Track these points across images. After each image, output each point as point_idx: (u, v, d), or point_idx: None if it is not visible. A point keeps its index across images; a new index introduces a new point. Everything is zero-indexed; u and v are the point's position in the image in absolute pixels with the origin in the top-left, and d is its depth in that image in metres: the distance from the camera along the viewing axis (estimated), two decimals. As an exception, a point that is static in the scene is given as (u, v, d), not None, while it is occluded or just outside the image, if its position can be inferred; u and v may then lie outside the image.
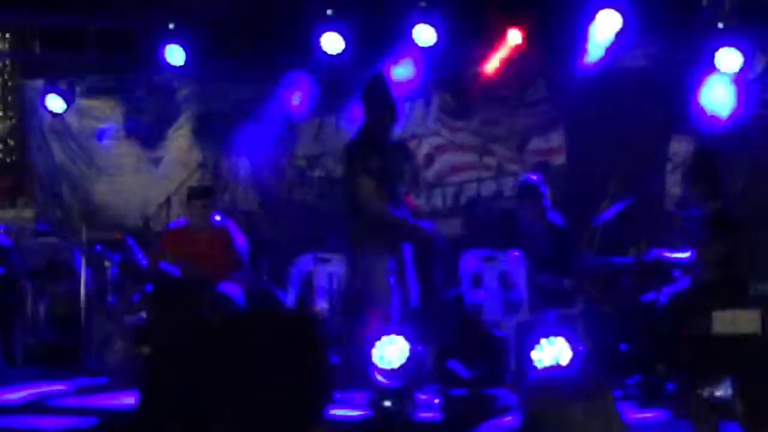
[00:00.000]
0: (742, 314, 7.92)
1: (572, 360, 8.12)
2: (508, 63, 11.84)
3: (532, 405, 3.43)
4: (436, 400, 8.47)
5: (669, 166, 11.15)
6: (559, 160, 12.10)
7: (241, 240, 10.33)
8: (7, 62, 15.01)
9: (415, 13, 11.59)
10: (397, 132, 12.69)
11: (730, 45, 10.57)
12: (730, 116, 10.73)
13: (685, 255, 9.08)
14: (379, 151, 8.82)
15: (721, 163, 9.27)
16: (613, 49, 11.15)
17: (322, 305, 10.03)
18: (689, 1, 10.89)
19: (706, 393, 7.34)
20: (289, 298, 10.32)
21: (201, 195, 10.53)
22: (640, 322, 8.89)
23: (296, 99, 12.79)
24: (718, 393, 7.34)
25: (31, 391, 9.50)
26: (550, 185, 10.29)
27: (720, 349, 7.66)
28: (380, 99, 8.91)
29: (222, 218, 10.43)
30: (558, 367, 7.85)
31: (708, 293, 8.42)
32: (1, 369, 10.32)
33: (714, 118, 10.79)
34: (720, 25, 10.62)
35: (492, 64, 11.96)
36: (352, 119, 12.66)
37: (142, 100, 13.86)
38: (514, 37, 11.59)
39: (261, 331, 2.53)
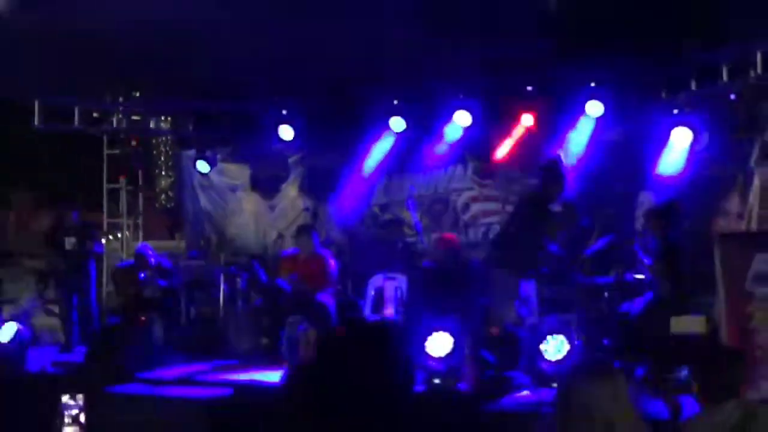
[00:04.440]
0: (692, 319, 7.88)
1: (569, 351, 8.10)
2: (522, 139, 11.86)
3: (562, 386, 3.48)
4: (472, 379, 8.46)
5: (638, 213, 11.08)
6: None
7: (333, 265, 10.50)
8: (168, 137, 15.28)
9: (456, 101, 11.66)
10: (443, 187, 12.85)
11: (683, 125, 10.53)
12: (681, 176, 10.68)
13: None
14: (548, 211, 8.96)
15: (672, 209, 9.16)
16: (597, 128, 11.19)
17: (389, 311, 10.09)
18: (653, 93, 10.85)
19: (669, 376, 7.34)
20: (366, 306, 10.40)
21: (305, 231, 10.83)
22: (617, 324, 8.85)
23: (372, 164, 12.95)
24: (678, 376, 7.33)
25: (183, 370, 9.61)
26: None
27: (677, 344, 7.63)
28: (555, 179, 8.89)
29: (320, 248, 10.58)
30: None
31: (664, 303, 8.39)
32: (165, 354, 10.42)
33: (669, 177, 10.75)
34: (675, 111, 10.58)
35: (504, 149, 12.00)
36: (412, 178, 12.86)
37: (263, 164, 14.01)
38: (527, 120, 11.61)
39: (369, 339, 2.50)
